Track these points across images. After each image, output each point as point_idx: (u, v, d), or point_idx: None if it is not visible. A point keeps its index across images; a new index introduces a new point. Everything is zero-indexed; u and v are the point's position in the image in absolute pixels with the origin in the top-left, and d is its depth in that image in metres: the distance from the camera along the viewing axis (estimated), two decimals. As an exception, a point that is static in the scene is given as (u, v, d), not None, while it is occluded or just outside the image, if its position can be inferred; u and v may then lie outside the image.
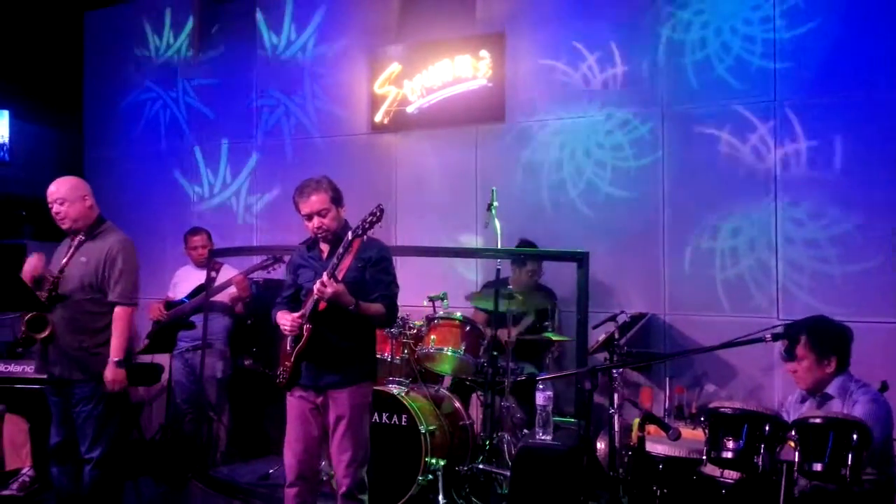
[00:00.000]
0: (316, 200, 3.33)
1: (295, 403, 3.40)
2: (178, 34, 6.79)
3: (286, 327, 3.31)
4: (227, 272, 5.39)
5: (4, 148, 6.96)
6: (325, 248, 3.43)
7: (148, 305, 5.33)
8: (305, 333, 3.27)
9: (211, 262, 5.36)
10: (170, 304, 5.41)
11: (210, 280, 5.22)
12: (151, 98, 6.91)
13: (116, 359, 3.75)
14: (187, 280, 5.61)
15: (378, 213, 3.21)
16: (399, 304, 3.49)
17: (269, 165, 6.36)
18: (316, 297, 3.18)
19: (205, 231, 5.75)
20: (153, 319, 5.36)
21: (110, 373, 3.74)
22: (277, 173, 6.28)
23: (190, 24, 6.71)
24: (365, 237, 3.29)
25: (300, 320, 3.28)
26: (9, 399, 5.01)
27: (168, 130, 6.83)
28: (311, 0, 6.21)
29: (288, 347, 3.34)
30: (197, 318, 5.31)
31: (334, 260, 3.22)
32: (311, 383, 3.36)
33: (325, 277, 3.14)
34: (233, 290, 5.33)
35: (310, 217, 3.36)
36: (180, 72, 6.77)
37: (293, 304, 3.45)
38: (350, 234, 3.23)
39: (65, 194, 3.84)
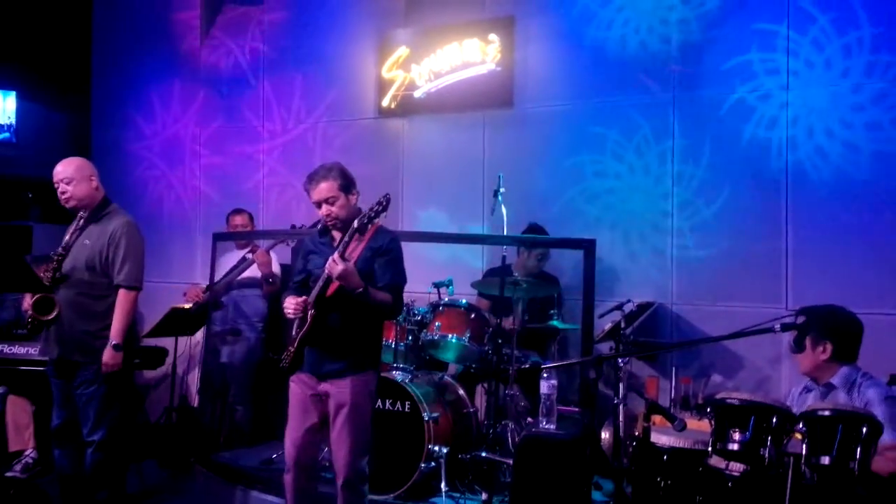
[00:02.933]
0: (324, 188, 3.31)
1: (296, 390, 3.38)
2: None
3: (289, 310, 3.27)
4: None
5: (11, 129, 6.95)
6: (336, 235, 3.40)
7: (185, 289, 5.43)
8: (309, 318, 3.24)
9: (250, 244, 5.31)
10: (209, 287, 5.37)
11: (242, 260, 5.19)
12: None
13: (115, 342, 3.74)
14: (229, 262, 5.50)
15: (384, 203, 3.21)
16: (404, 290, 3.44)
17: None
18: (326, 274, 3.16)
19: (246, 212, 5.68)
20: (191, 302, 5.32)
21: (107, 356, 3.74)
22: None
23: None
24: (373, 226, 3.28)
25: (304, 304, 3.25)
26: (12, 380, 5.02)
27: (178, 114, 6.76)
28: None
29: (294, 332, 3.31)
30: (230, 300, 5.32)
31: (346, 239, 3.20)
32: (313, 370, 3.33)
33: (335, 255, 3.12)
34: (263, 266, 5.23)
35: (319, 204, 3.34)
36: (190, 58, 6.68)
37: (303, 290, 3.41)
38: (356, 223, 3.21)
39: (71, 174, 3.84)
